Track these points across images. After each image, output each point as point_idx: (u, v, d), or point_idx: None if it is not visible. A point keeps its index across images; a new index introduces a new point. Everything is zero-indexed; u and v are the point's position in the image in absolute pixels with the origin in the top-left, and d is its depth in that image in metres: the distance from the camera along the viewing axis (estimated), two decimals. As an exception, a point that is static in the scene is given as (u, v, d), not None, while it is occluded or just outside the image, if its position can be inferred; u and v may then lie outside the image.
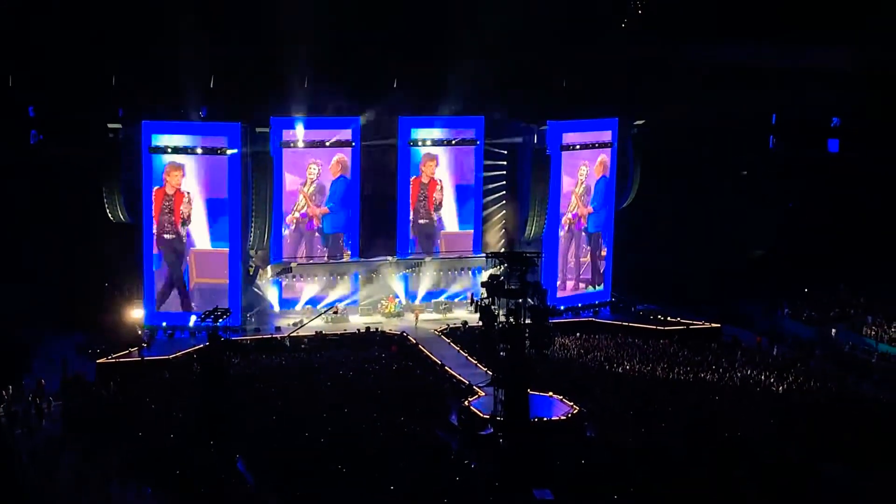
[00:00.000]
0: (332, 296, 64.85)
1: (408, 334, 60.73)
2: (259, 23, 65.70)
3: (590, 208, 69.29)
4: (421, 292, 66.44)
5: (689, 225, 73.63)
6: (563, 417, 46.02)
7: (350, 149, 64.81)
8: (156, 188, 61.45)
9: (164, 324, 61.24)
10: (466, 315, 62.44)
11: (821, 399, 51.08)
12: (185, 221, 61.91)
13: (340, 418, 46.50)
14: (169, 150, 61.16)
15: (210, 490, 39.89)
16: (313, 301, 64.68)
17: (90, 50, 65.03)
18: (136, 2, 65.72)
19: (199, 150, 61.55)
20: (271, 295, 64.24)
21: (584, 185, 68.38)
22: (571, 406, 46.96)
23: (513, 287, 44.51)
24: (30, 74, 67.25)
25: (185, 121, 62.03)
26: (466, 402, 48.03)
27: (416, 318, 63.15)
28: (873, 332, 61.37)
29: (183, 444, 43.29)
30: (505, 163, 68.74)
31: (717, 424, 46.57)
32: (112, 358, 55.46)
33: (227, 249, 62.35)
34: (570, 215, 68.32)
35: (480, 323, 46.03)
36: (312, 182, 64.69)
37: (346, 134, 64.62)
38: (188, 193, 61.66)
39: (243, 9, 66.35)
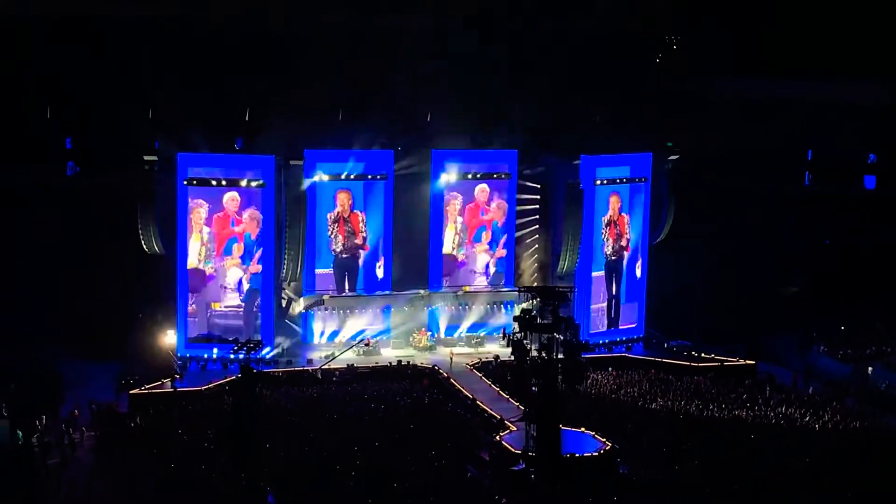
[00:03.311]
0: (365, 329, 64.90)
1: (439, 368, 60.57)
2: (294, 56, 66.27)
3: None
4: (454, 326, 66.47)
5: (724, 260, 73.19)
6: (595, 453, 45.61)
7: (384, 181, 65.06)
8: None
9: (210, 354, 61.10)
10: (498, 349, 62.19)
11: (857, 438, 50.41)
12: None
13: (371, 451, 46.36)
14: (205, 182, 61.52)
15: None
16: (336, 333, 64.78)
17: (127, 82, 65.76)
18: (172, 34, 66.49)
19: (234, 183, 61.87)
20: (303, 327, 64.38)
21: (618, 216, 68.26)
22: (604, 442, 46.56)
23: (545, 321, 44.32)
24: (67, 107, 68.04)
25: (221, 153, 62.45)
26: (498, 437, 47.75)
27: (451, 358, 62.23)
28: (910, 371, 60.75)
29: (214, 476, 43.26)
30: (538, 197, 68.75)
31: (752, 462, 46.05)
32: (145, 389, 55.66)
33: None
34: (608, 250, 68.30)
35: (512, 357, 45.81)
36: (343, 213, 64.87)
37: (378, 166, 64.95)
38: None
39: (279, 42, 66.94)
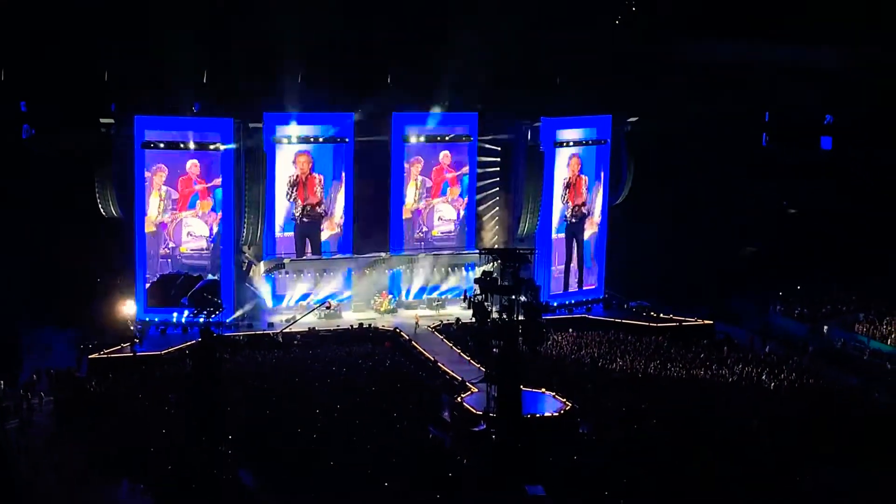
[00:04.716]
0: (325, 292, 64.79)
1: (401, 330, 60.68)
2: (253, 17, 65.60)
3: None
4: (414, 288, 66.47)
5: (682, 222, 73.66)
6: (555, 414, 46.01)
7: (343, 144, 64.75)
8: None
9: (156, 319, 61.05)
10: (459, 311, 62.40)
11: (812, 396, 51.13)
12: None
13: (333, 414, 46.46)
14: (161, 145, 61.06)
15: (202, 486, 39.87)
16: (305, 297, 64.66)
17: (83, 45, 64.87)
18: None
19: (191, 146, 61.48)
20: (264, 291, 64.17)
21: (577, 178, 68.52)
22: (564, 402, 46.96)
23: (506, 283, 44.46)
24: (22, 69, 67.07)
25: (178, 116, 61.91)
26: (459, 399, 48.01)
27: (417, 322, 62.13)
28: (865, 329, 61.50)
29: (175, 441, 43.21)
30: (498, 159, 68.74)
31: (709, 421, 46.61)
32: (104, 353, 55.37)
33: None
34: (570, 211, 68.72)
35: (473, 319, 45.96)
36: (301, 177, 64.63)
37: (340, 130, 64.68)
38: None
39: (237, 3, 66.25)
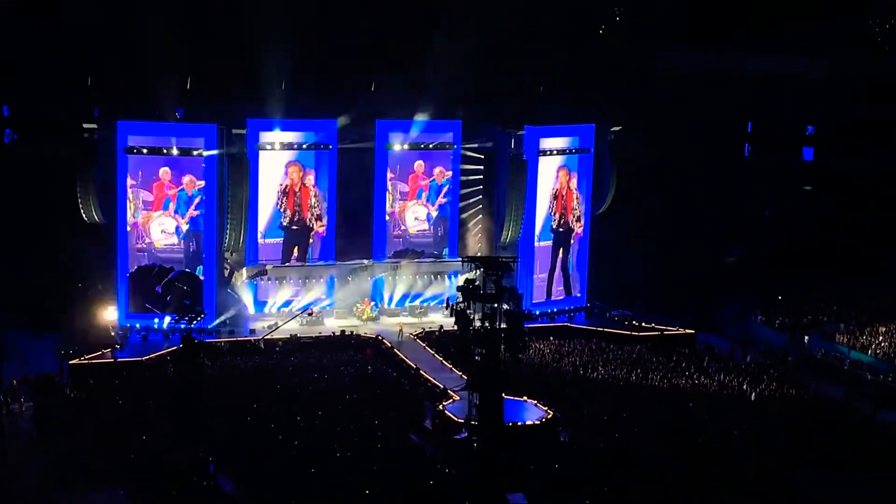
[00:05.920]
0: (308, 299, 64.71)
1: (383, 338, 60.63)
2: (237, 23, 65.60)
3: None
4: (397, 296, 66.43)
5: (664, 231, 73.87)
6: (537, 422, 46.02)
7: (327, 151, 64.71)
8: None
9: (137, 325, 60.90)
10: (442, 319, 62.40)
11: (793, 406, 51.34)
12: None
13: (314, 421, 46.38)
14: (144, 150, 60.89)
15: (183, 493, 39.74)
16: (287, 304, 64.57)
17: (66, 49, 64.75)
18: (111, 1, 65.56)
19: (174, 151, 61.33)
20: (246, 297, 64.03)
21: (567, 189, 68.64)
22: (546, 411, 46.99)
23: (488, 291, 44.49)
24: (4, 73, 66.86)
25: (161, 121, 61.77)
26: (441, 406, 47.99)
27: (401, 330, 61.93)
28: (846, 340, 61.78)
29: (156, 447, 43.06)
30: (482, 167, 68.82)
31: (691, 430, 46.73)
32: (85, 359, 55.11)
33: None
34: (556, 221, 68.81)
35: (456, 327, 45.97)
36: (293, 187, 64.51)
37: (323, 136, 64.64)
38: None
39: (221, 8, 66.23)
